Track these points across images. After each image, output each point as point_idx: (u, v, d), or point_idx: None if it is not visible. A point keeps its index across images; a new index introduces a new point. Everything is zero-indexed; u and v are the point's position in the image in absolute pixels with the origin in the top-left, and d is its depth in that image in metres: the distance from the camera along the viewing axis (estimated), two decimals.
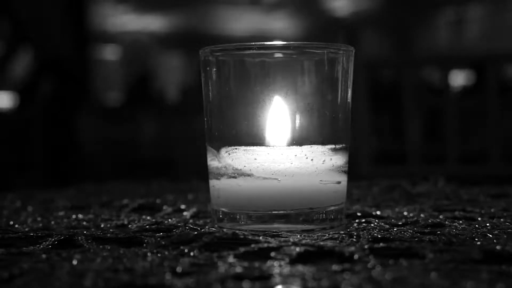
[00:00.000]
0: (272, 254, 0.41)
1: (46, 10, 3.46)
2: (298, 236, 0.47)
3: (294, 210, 0.51)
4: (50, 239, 0.46)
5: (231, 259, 0.40)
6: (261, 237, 0.45)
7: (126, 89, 4.58)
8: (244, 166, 0.51)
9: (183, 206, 0.65)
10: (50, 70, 3.35)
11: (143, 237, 0.47)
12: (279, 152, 0.51)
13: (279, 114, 0.51)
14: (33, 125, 3.14)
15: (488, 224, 0.51)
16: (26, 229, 0.52)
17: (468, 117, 2.11)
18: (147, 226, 0.52)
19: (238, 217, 0.52)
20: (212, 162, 0.53)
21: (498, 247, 0.41)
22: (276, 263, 0.39)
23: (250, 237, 0.45)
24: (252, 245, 0.43)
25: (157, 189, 0.83)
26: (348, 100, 0.54)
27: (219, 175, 0.53)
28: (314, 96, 0.52)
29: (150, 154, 3.61)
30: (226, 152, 0.52)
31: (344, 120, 0.53)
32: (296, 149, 0.51)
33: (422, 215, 0.56)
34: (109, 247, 0.44)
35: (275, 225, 0.51)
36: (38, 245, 0.45)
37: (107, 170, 3.38)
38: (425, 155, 1.85)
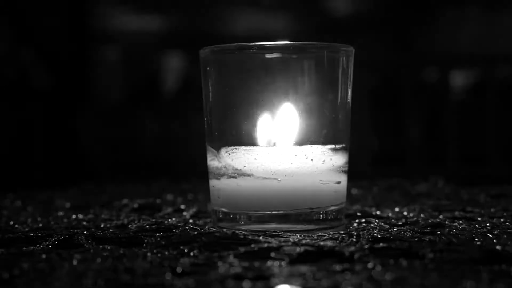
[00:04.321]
0: (272, 254, 0.41)
1: (46, 9, 3.47)
2: (298, 236, 0.47)
3: (294, 210, 0.51)
4: (50, 239, 0.46)
5: (231, 259, 0.40)
6: (261, 237, 0.45)
7: (130, 89, 4.57)
8: (244, 166, 0.51)
9: (183, 206, 0.65)
10: (50, 70, 3.35)
11: (143, 237, 0.47)
12: (279, 152, 0.51)
13: (279, 114, 0.51)
14: (33, 125, 3.14)
15: (488, 224, 0.51)
16: (26, 229, 0.52)
17: (468, 117, 2.11)
18: (147, 226, 0.52)
19: (238, 217, 0.52)
20: (212, 162, 0.53)
21: (498, 247, 0.41)
22: (276, 263, 0.39)
23: (250, 237, 0.45)
24: (252, 245, 0.43)
25: (157, 189, 0.83)
26: (348, 100, 0.54)
27: (219, 175, 0.53)
28: (314, 96, 0.52)
29: (150, 154, 3.61)
30: (226, 152, 0.52)
31: (344, 120, 0.53)
32: (296, 149, 0.51)
33: (422, 215, 0.56)
34: (109, 247, 0.44)
35: (275, 225, 0.51)
36: (38, 245, 0.45)
37: (107, 170, 3.37)
38: (425, 155, 1.85)
